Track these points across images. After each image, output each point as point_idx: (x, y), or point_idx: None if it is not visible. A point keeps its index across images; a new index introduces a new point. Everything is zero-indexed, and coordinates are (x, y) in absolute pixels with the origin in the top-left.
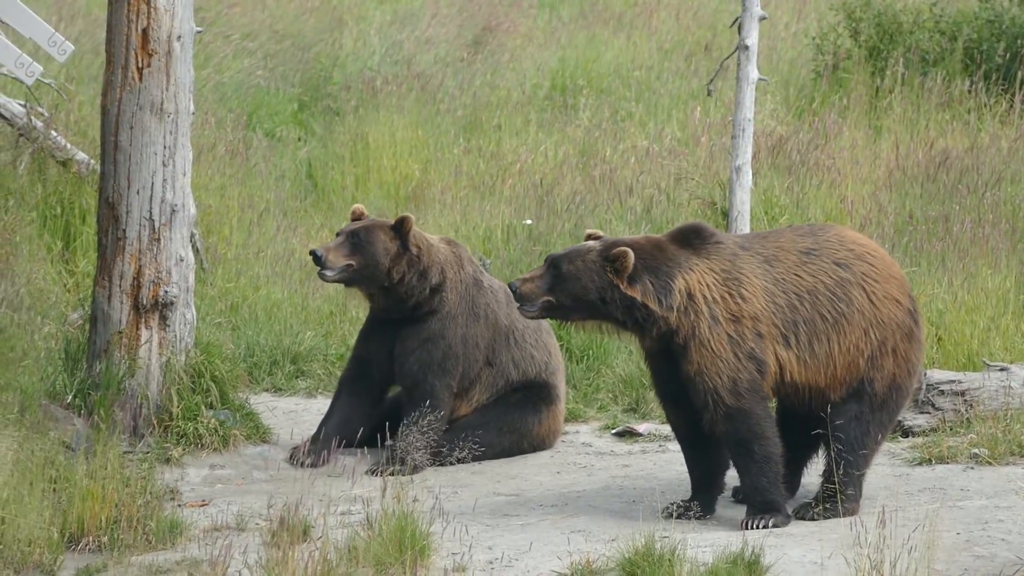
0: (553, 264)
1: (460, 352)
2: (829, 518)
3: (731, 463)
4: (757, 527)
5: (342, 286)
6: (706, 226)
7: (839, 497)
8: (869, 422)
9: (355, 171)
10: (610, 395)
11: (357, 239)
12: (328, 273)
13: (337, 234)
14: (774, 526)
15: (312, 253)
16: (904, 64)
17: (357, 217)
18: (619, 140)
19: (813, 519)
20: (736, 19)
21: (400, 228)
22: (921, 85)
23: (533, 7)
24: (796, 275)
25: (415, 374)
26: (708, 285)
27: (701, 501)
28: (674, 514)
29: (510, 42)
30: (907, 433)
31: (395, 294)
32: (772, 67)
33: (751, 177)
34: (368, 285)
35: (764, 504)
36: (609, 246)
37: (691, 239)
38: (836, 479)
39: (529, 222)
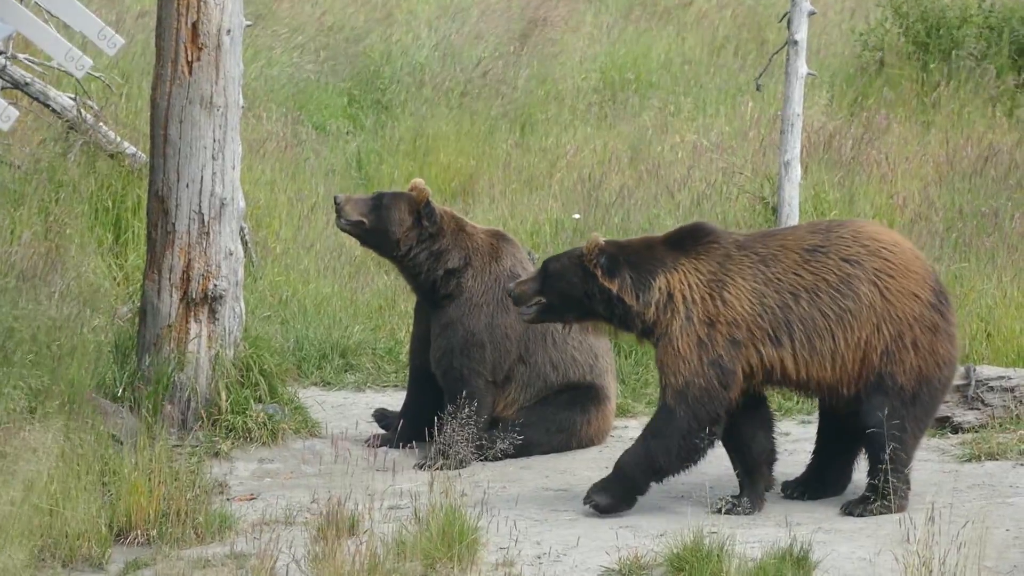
0: (544, 265)
1: (485, 340)
2: (876, 515)
3: (773, 455)
4: (587, 503)
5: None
6: (705, 225)
7: (886, 493)
8: (903, 417)
9: (405, 164)
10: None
11: (380, 201)
12: (342, 221)
13: (373, 193)
14: (594, 507)
15: (334, 199)
16: (952, 59)
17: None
18: (668, 135)
19: (861, 515)
20: (785, 14)
21: (412, 198)
22: (969, 80)
23: (582, 1)
24: (795, 274)
25: (439, 359)
26: (690, 285)
27: (749, 497)
28: (723, 510)
29: (559, 36)
30: (956, 429)
31: (405, 267)
32: (821, 62)
33: (800, 172)
34: (379, 249)
35: (607, 480)
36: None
37: (685, 240)
38: (878, 477)
39: (577, 217)
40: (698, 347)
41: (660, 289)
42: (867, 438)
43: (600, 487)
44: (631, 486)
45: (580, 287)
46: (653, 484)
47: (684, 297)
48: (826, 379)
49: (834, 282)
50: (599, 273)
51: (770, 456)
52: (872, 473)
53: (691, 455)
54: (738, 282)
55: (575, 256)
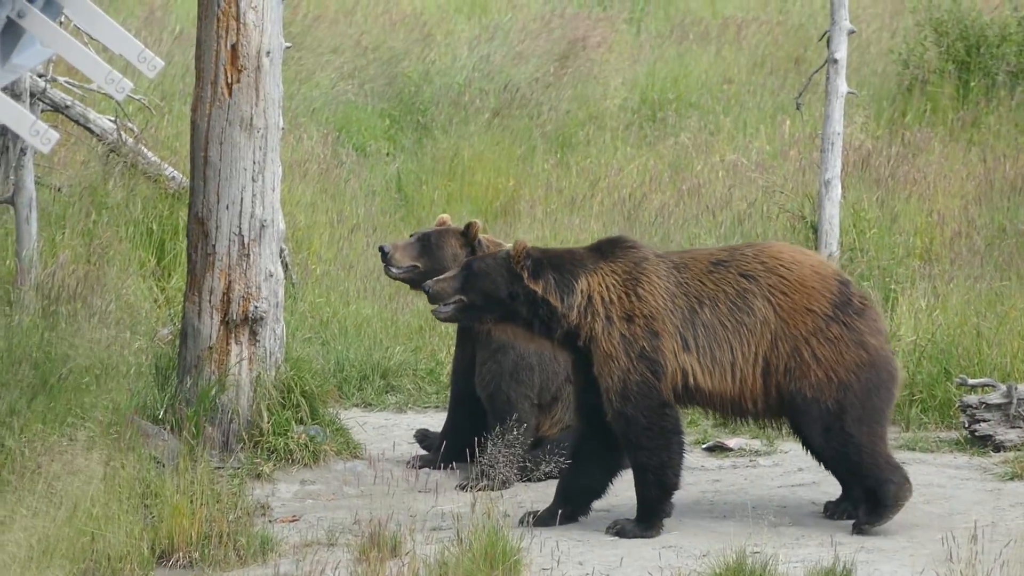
0: (466, 265)
1: (535, 363)
2: (875, 523)
3: (597, 495)
4: (616, 534)
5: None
6: (627, 237)
7: (879, 498)
8: (840, 427)
9: (445, 185)
10: (700, 409)
11: (427, 242)
12: (393, 270)
13: (411, 235)
14: (631, 536)
15: (380, 248)
16: (992, 77)
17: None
18: (708, 154)
19: (870, 525)
20: (825, 33)
21: (467, 233)
22: (1009, 98)
23: (622, 21)
24: (700, 281)
25: (488, 384)
26: (607, 286)
27: (549, 511)
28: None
29: (598, 57)
30: (998, 448)
31: None
32: (861, 80)
33: (840, 191)
34: None
35: (640, 514)
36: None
37: (605, 248)
38: (863, 488)
39: None
40: (622, 342)
41: (582, 291)
42: (825, 465)
43: (627, 524)
44: (651, 509)
45: (504, 288)
46: (674, 487)
47: (602, 298)
48: (728, 392)
49: (732, 295)
50: (525, 275)
51: (592, 495)
52: (860, 482)
53: (668, 440)
54: (652, 279)
55: (501, 258)
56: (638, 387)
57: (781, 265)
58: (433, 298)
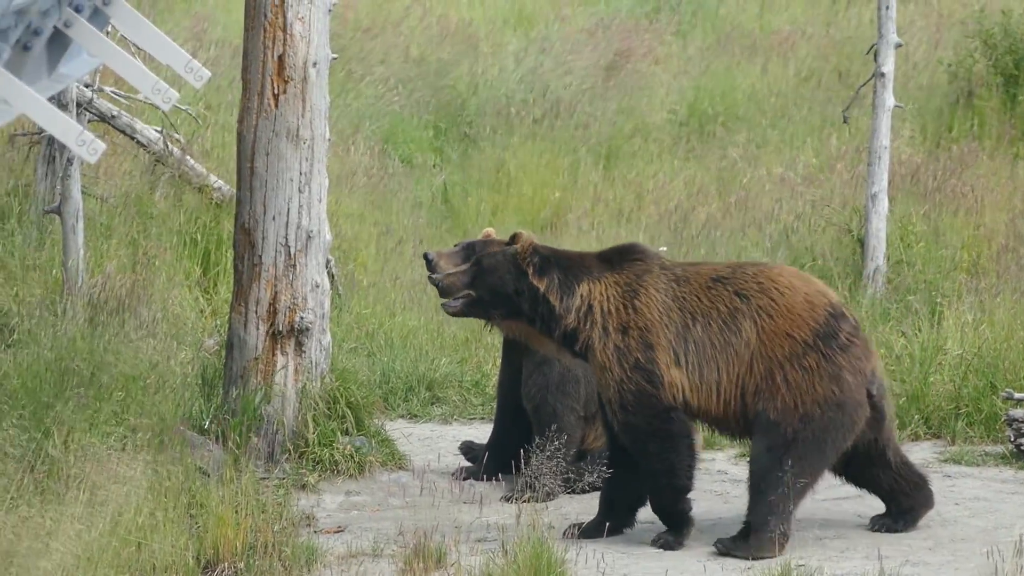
0: (476, 260)
1: (580, 375)
2: (730, 556)
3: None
4: (661, 547)
5: None
6: (638, 246)
7: (750, 533)
8: (782, 457)
9: (492, 197)
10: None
11: (472, 251)
12: (437, 277)
13: (456, 244)
14: (675, 548)
15: (424, 255)
16: None
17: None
18: (755, 167)
19: (723, 553)
20: (872, 46)
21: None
22: None
23: (668, 34)
24: (696, 297)
25: (534, 396)
26: (608, 297)
27: (595, 525)
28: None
29: (644, 69)
30: None
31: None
32: (908, 94)
33: (887, 204)
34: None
35: (666, 521)
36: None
37: (614, 256)
38: (751, 515)
39: (664, 249)
40: (616, 354)
41: (582, 296)
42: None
43: (660, 536)
44: (668, 514)
45: (511, 284)
46: (686, 489)
47: (601, 308)
48: (713, 411)
49: (724, 313)
50: (530, 271)
51: (635, 503)
52: (748, 510)
53: (675, 444)
54: (650, 292)
55: (509, 254)
56: (634, 396)
57: (775, 288)
58: (443, 292)
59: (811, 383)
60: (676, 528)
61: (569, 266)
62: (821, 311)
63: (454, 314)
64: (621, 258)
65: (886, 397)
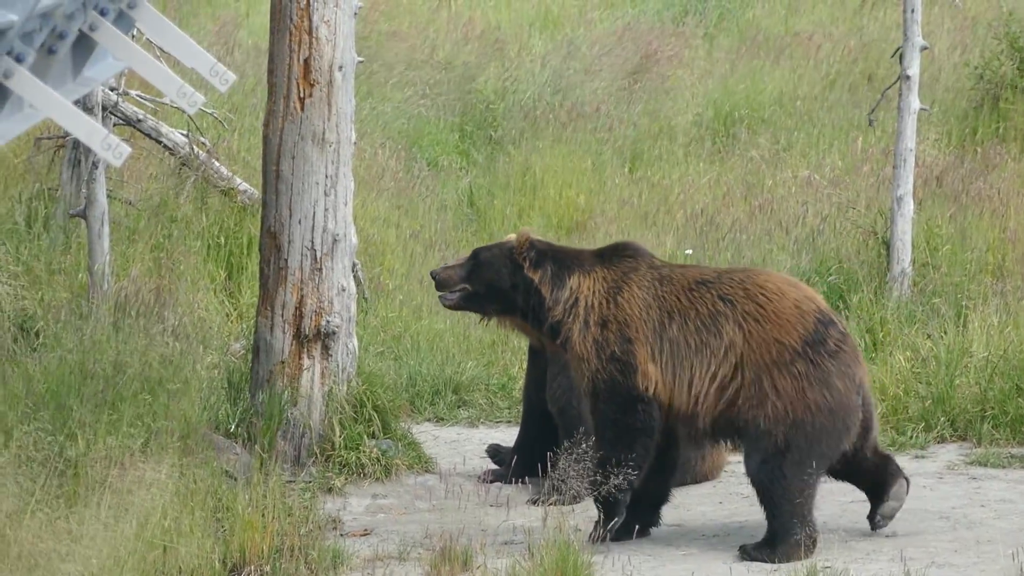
0: (474, 253)
1: None
2: (758, 558)
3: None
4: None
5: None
6: (632, 245)
7: (776, 540)
8: (780, 464)
9: (518, 200)
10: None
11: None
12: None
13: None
14: (607, 529)
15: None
16: None
17: None
18: (780, 170)
19: (743, 558)
20: (897, 49)
21: None
22: None
23: (695, 37)
24: (676, 297)
25: (559, 398)
26: (594, 291)
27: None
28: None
29: (671, 72)
30: None
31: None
32: (934, 97)
33: (912, 207)
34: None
35: (602, 511)
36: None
37: (607, 253)
38: (771, 524)
39: (690, 252)
40: (594, 346)
41: (571, 289)
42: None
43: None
44: (612, 501)
45: (507, 278)
46: (632, 484)
47: (586, 303)
48: (683, 408)
49: (704, 314)
50: (526, 264)
51: (657, 500)
52: (769, 520)
53: (632, 439)
54: (633, 289)
55: (506, 248)
56: (605, 384)
57: (762, 294)
58: (439, 285)
59: (801, 389)
60: (607, 517)
61: (564, 260)
62: (811, 317)
63: (450, 307)
64: (613, 254)
65: (872, 410)
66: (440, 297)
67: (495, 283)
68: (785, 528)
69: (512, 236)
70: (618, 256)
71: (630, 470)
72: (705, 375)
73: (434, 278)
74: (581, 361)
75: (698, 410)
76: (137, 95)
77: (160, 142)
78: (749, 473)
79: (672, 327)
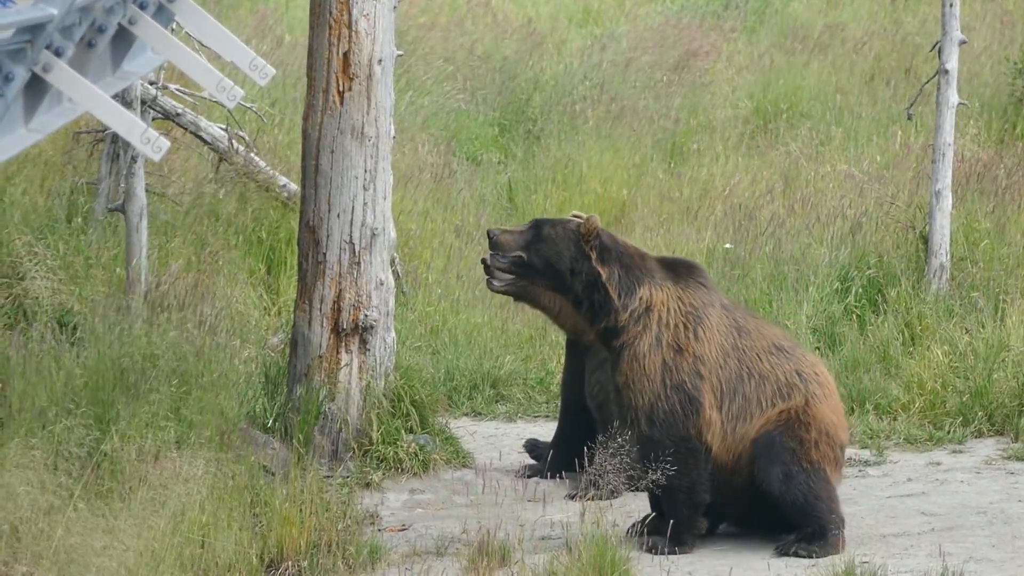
0: (536, 225)
1: None
2: (797, 555)
3: None
4: (648, 549)
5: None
6: (701, 269)
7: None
8: (801, 463)
9: (558, 194)
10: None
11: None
12: (495, 283)
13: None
14: (665, 552)
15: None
16: None
17: None
18: (819, 164)
19: (781, 554)
20: (936, 43)
21: None
22: None
23: (735, 31)
24: (757, 355)
25: (597, 394)
26: (669, 309)
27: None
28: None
29: (710, 66)
30: None
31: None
32: (973, 91)
33: (951, 201)
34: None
35: (673, 535)
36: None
37: (679, 269)
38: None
39: (729, 246)
40: (662, 369)
41: (641, 299)
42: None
43: (654, 528)
44: (679, 530)
45: (567, 260)
46: (702, 504)
47: (660, 317)
48: (727, 464)
49: (780, 381)
50: (593, 255)
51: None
52: (800, 521)
53: (695, 460)
54: (713, 327)
55: (571, 228)
56: (666, 415)
57: (828, 385)
58: (495, 245)
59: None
60: (679, 539)
61: (631, 263)
62: (845, 435)
63: (500, 269)
64: (687, 276)
65: None
66: (490, 256)
67: (553, 261)
68: (823, 524)
69: (576, 217)
70: (690, 278)
71: (702, 492)
72: (752, 432)
73: (491, 238)
74: (643, 376)
75: (734, 466)
76: (176, 89)
77: (199, 136)
78: (768, 485)
79: (750, 384)
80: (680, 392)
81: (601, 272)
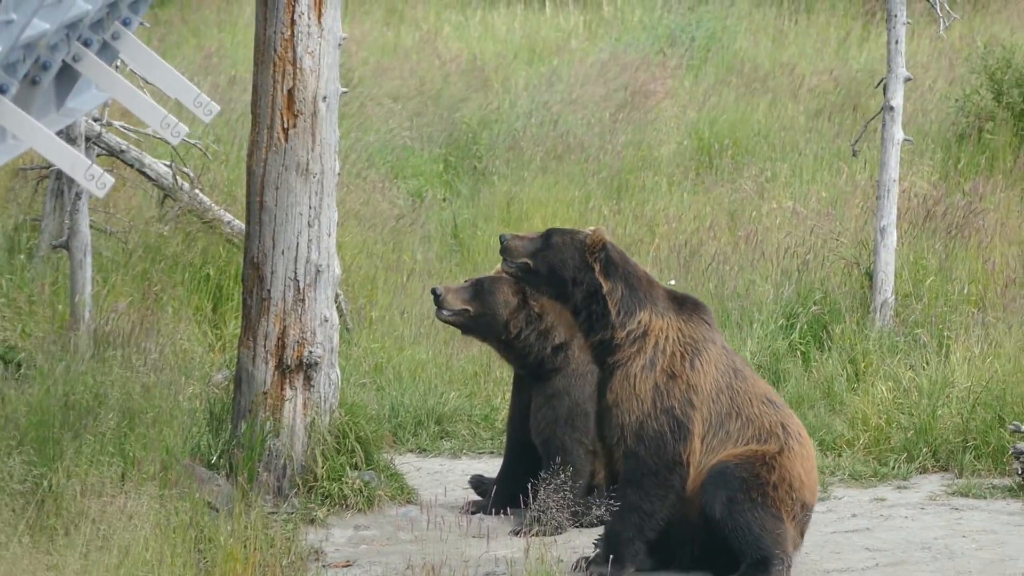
0: (548, 234)
1: (590, 409)
2: None
3: None
4: (586, 572)
5: (485, 346)
6: (708, 310)
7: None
8: (749, 492)
9: (500, 231)
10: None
11: (480, 287)
12: (444, 312)
13: (465, 280)
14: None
15: (433, 291)
16: None
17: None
18: (765, 201)
19: None
20: (881, 80)
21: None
22: None
23: (680, 68)
24: (749, 399)
25: (543, 430)
26: (668, 337)
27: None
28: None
29: (655, 103)
30: None
31: (513, 349)
32: (918, 128)
33: (896, 238)
34: (484, 334)
35: (607, 552)
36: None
37: (685, 304)
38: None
39: (673, 282)
40: (653, 391)
41: (640, 322)
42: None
43: (593, 562)
44: (621, 551)
45: (571, 270)
46: (648, 536)
47: (656, 343)
48: (689, 493)
49: (763, 428)
50: (597, 268)
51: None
52: (743, 550)
53: (667, 492)
54: (711, 361)
55: (579, 239)
56: (655, 435)
57: (808, 448)
58: (505, 250)
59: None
60: (619, 558)
61: (637, 285)
62: (811, 497)
63: (511, 274)
64: (691, 311)
65: None
66: (503, 264)
67: (558, 269)
68: (768, 554)
69: (591, 229)
70: (694, 313)
71: (654, 526)
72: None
73: (502, 242)
74: (634, 396)
75: (694, 501)
76: (121, 126)
77: (144, 173)
78: (711, 510)
79: (734, 424)
80: (669, 416)
81: (603, 285)
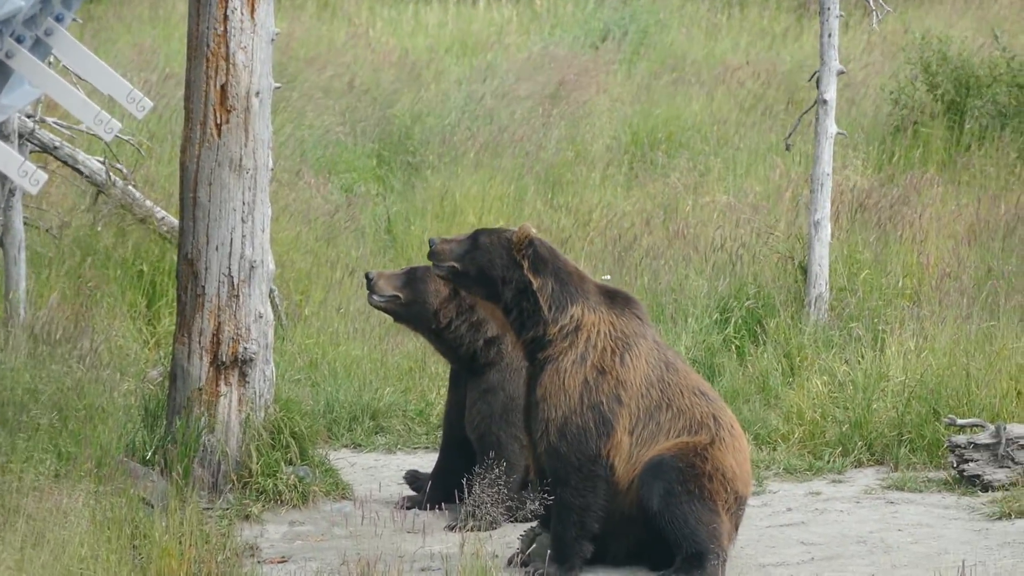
0: (475, 235)
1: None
2: None
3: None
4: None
5: (421, 342)
6: (640, 304)
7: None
8: (686, 484)
9: (435, 226)
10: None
11: (413, 275)
12: (375, 297)
13: (402, 268)
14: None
15: (366, 275)
16: (983, 119)
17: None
18: (699, 194)
19: None
20: (814, 73)
21: None
22: (1000, 139)
23: (612, 62)
24: (680, 391)
25: (477, 425)
26: (600, 332)
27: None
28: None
29: (589, 97)
30: (986, 488)
31: (444, 340)
32: (852, 121)
33: (830, 232)
34: (415, 323)
35: (554, 553)
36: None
37: (616, 298)
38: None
39: (607, 277)
40: (582, 386)
41: (572, 316)
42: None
43: (541, 562)
44: (565, 551)
45: (499, 269)
46: (592, 530)
47: (589, 338)
48: (621, 485)
49: (695, 420)
50: (526, 264)
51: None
52: (679, 544)
53: (595, 483)
54: (641, 356)
55: (505, 238)
56: (577, 431)
57: (742, 441)
58: (433, 254)
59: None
60: (566, 562)
61: (567, 281)
62: (745, 489)
63: (442, 277)
64: (623, 305)
65: None
66: (434, 266)
67: (486, 270)
68: (703, 548)
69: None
70: (626, 307)
71: (593, 519)
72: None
73: (431, 246)
74: (561, 391)
75: (629, 494)
76: (54, 122)
77: (77, 169)
78: (648, 503)
79: (664, 416)
80: (596, 412)
81: (533, 281)
